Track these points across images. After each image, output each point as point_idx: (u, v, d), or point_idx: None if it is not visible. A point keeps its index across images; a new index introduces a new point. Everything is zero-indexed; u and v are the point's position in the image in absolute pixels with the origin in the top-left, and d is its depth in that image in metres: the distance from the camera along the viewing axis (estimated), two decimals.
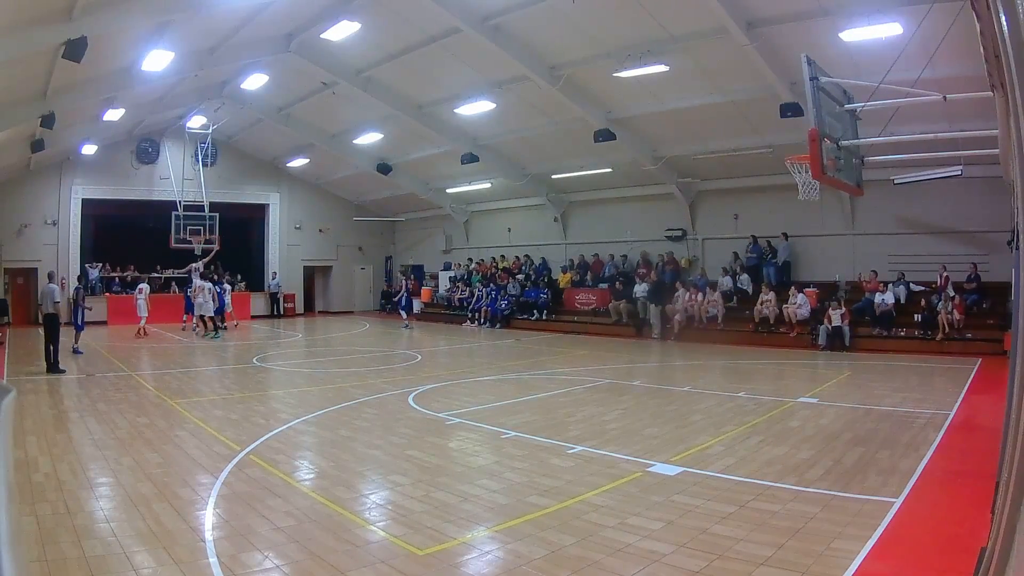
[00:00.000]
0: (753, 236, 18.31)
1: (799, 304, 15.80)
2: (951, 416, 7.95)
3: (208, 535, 4.41)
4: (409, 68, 16.89)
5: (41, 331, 20.79)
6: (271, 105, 21.41)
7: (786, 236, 17.74)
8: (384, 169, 23.91)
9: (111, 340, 17.26)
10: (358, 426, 7.89)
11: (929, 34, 8.81)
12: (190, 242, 24.25)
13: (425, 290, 26.84)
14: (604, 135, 16.78)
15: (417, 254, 29.68)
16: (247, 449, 6.68)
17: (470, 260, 26.12)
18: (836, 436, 7.03)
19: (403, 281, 24.89)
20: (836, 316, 14.79)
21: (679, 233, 20.05)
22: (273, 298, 27.06)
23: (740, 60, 13.01)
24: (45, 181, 22.88)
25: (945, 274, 14.51)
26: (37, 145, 17.10)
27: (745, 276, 18.08)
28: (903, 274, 15.45)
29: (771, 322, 16.32)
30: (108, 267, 24.51)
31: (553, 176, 21.57)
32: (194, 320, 19.34)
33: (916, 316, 14.46)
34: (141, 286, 19.52)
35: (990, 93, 5.46)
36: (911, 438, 6.92)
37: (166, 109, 20.74)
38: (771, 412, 8.34)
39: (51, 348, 12.01)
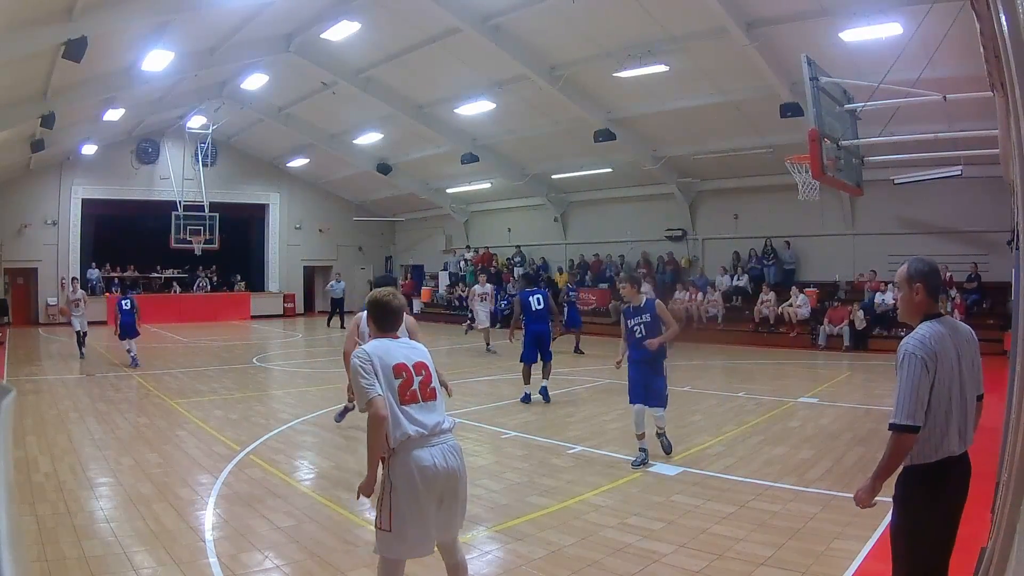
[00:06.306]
0: (751, 251, 18.34)
1: (800, 304, 15.80)
2: None
3: (208, 535, 4.42)
4: (409, 68, 16.88)
5: (41, 331, 21.01)
6: (271, 105, 21.39)
7: (788, 244, 17.76)
8: (384, 169, 23.89)
9: (111, 340, 17.18)
10: (358, 426, 7.88)
11: (929, 34, 8.80)
12: (190, 242, 24.26)
13: (425, 290, 26.83)
14: (604, 135, 16.77)
15: (417, 254, 29.63)
16: (247, 449, 6.68)
17: (468, 255, 25.99)
18: (836, 436, 7.03)
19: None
20: (859, 320, 14.72)
21: (679, 233, 20.04)
22: (335, 305, 21.91)
23: (740, 60, 12.99)
24: (45, 181, 22.85)
25: (949, 274, 14.50)
26: (37, 145, 17.08)
27: (745, 276, 18.09)
28: None
29: (771, 322, 16.33)
30: (108, 267, 24.51)
31: (553, 176, 21.55)
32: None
33: None
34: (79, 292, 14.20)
35: (990, 93, 5.46)
36: None
37: (166, 109, 20.72)
38: (771, 412, 8.34)
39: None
